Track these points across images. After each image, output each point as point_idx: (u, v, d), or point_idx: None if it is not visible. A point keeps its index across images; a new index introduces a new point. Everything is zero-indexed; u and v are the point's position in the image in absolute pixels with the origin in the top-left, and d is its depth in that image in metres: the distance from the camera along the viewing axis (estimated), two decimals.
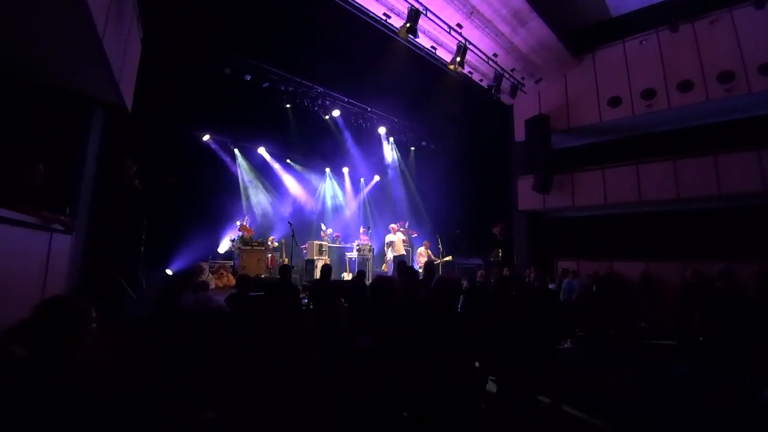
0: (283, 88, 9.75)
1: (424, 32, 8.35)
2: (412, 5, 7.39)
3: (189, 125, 10.00)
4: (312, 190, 13.88)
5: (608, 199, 10.33)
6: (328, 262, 8.79)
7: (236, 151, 11.98)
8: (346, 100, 11.18)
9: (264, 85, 9.39)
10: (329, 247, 10.67)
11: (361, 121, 11.95)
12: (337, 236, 11.75)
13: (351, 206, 14.78)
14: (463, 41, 8.56)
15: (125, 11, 5.09)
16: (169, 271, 9.01)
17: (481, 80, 10.55)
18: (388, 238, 10.78)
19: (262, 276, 8.90)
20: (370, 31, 8.10)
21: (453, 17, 8.23)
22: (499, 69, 9.83)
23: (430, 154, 14.21)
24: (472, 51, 8.95)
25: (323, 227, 11.62)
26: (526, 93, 11.43)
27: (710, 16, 8.97)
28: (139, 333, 4.18)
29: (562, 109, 11.22)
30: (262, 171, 12.61)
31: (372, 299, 2.84)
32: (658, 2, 9.67)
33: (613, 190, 10.23)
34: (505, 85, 10.33)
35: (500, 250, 11.24)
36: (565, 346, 6.85)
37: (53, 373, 1.33)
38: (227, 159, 11.74)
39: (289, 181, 13.22)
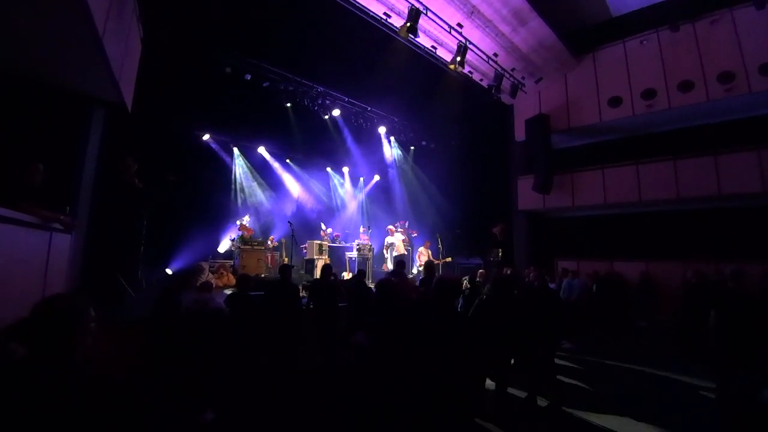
0: (283, 87, 9.75)
1: (424, 32, 8.35)
2: (413, 5, 7.38)
3: (189, 124, 9.99)
4: (312, 190, 13.86)
5: (608, 199, 10.33)
6: (328, 262, 8.79)
7: (236, 150, 11.98)
8: (346, 99, 11.18)
9: (264, 85, 9.39)
10: (329, 246, 10.67)
11: (362, 120, 11.95)
12: (337, 236, 11.75)
13: (351, 206, 14.77)
14: (464, 41, 8.55)
15: (125, 10, 5.09)
16: (169, 271, 9.01)
17: (481, 80, 10.55)
18: (388, 239, 10.78)
19: (262, 275, 8.91)
20: (370, 31, 8.10)
21: (453, 17, 8.23)
22: (499, 69, 9.82)
23: (430, 153, 14.22)
24: (472, 51, 8.94)
25: (323, 227, 11.61)
26: (526, 93, 11.43)
27: (711, 16, 8.96)
28: (139, 332, 4.17)
29: (563, 109, 11.21)
30: (262, 170, 12.60)
31: (377, 301, 2.85)
32: (658, 2, 9.65)
33: (613, 190, 10.23)
34: (506, 84, 10.33)
35: (500, 250, 11.23)
36: (565, 346, 6.85)
37: (52, 372, 1.33)
38: (227, 158, 11.74)
39: (289, 181, 13.21)
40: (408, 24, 7.32)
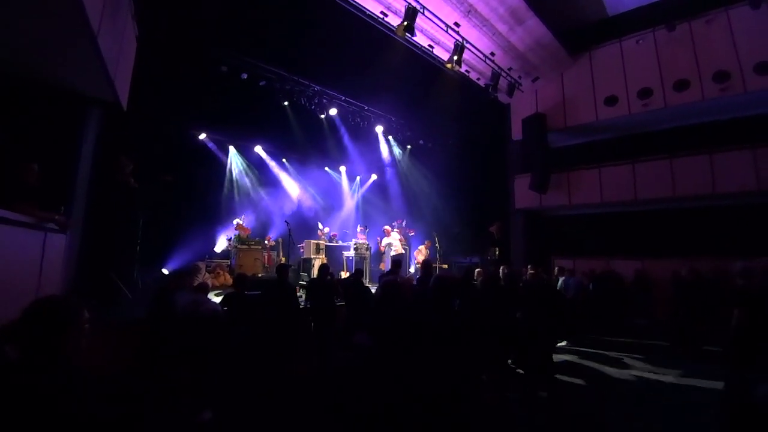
0: (279, 86, 9.71)
1: (421, 31, 8.33)
2: (410, 3, 7.37)
3: (185, 124, 9.92)
4: (309, 189, 13.81)
5: (604, 198, 10.38)
6: (326, 261, 8.77)
7: (233, 149, 11.92)
8: (343, 98, 11.15)
9: (261, 84, 9.35)
10: (326, 246, 10.65)
11: (359, 119, 11.92)
12: (334, 235, 11.73)
13: (348, 205, 14.75)
14: (461, 40, 8.55)
15: (120, 7, 5.05)
16: (165, 271, 8.97)
17: (478, 79, 10.55)
18: (385, 240, 10.77)
19: (259, 275, 8.88)
20: (367, 30, 8.08)
21: (450, 16, 8.23)
22: (496, 68, 9.83)
23: (427, 152, 14.21)
24: (469, 50, 8.95)
25: (320, 226, 11.59)
26: (523, 92, 11.45)
27: (706, 16, 9.00)
28: (134, 333, 4.15)
29: (559, 108, 11.24)
30: (259, 170, 12.55)
31: (380, 302, 2.83)
32: (654, 1, 9.70)
33: (610, 188, 10.28)
34: (503, 83, 10.34)
35: (497, 249, 11.27)
36: (562, 345, 6.87)
37: (46, 373, 1.31)
38: (224, 158, 11.68)
39: (286, 180, 13.17)
40: (405, 23, 7.31)
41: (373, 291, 6.22)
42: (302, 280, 8.42)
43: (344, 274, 9.81)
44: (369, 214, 14.67)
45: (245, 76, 8.95)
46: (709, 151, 8.96)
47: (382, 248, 10.84)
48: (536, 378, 4.35)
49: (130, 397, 3.02)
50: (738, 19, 8.59)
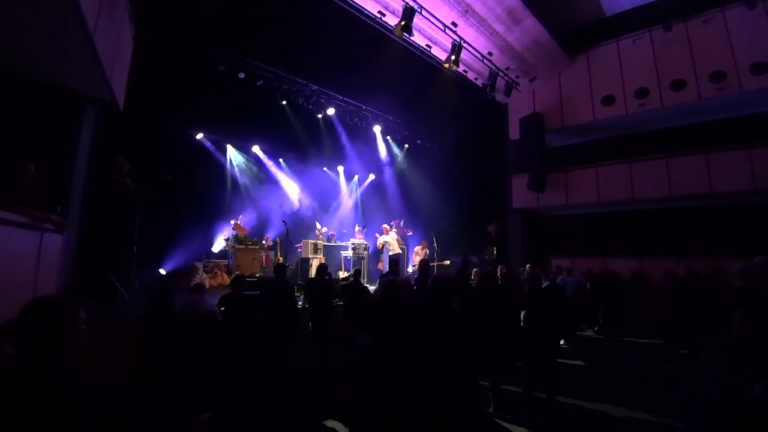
0: (277, 85, 9.70)
1: (418, 30, 8.35)
2: (407, 3, 7.37)
3: (182, 123, 9.89)
4: (307, 189, 13.80)
5: (601, 197, 10.42)
6: (323, 261, 8.76)
7: (230, 149, 11.90)
8: (341, 98, 11.14)
9: (258, 83, 9.33)
10: (324, 245, 10.64)
11: (356, 119, 11.92)
12: (332, 235, 11.72)
13: (346, 204, 14.75)
14: (458, 40, 8.56)
15: (117, 7, 5.03)
16: (162, 271, 8.94)
17: (476, 79, 10.57)
18: (383, 238, 10.76)
19: (257, 275, 8.86)
20: (365, 29, 8.08)
21: (448, 15, 8.23)
22: (493, 67, 9.84)
23: (425, 152, 14.22)
24: (466, 49, 8.96)
25: (318, 226, 11.57)
26: (520, 92, 11.47)
27: (703, 16, 9.04)
28: (131, 333, 4.14)
29: (557, 108, 11.27)
30: (257, 169, 12.55)
31: (381, 302, 2.84)
32: (651, 1, 9.72)
33: (607, 188, 10.32)
34: (500, 83, 10.35)
35: (495, 248, 11.29)
36: (561, 345, 6.88)
37: (43, 373, 1.31)
38: (221, 157, 11.65)
39: (284, 180, 13.15)
40: (402, 23, 7.31)
41: (371, 290, 6.22)
42: (300, 280, 8.42)
43: (342, 274, 9.80)
44: (367, 214, 14.67)
45: (243, 75, 8.93)
46: (706, 150, 9.00)
47: (379, 245, 10.84)
48: (538, 377, 4.37)
49: (128, 397, 3.01)
50: (734, 19, 8.63)
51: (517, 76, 10.99)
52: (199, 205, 10.46)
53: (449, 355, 2.22)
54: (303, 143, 12.19)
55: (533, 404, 4.23)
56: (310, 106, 10.64)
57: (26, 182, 3.66)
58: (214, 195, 11.06)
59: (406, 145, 14.39)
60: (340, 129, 12.39)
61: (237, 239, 9.69)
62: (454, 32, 8.51)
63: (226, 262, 9.72)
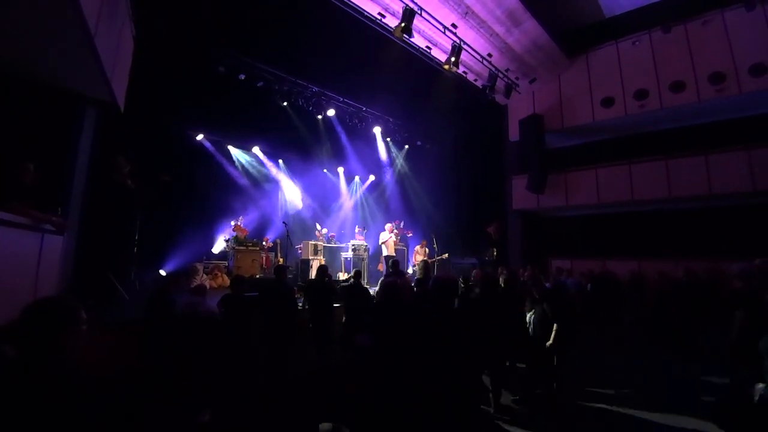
0: (277, 87, 9.70)
1: (418, 32, 8.36)
2: (407, 5, 7.38)
3: (183, 124, 9.90)
4: (307, 190, 13.80)
5: (601, 199, 10.42)
6: (324, 262, 8.75)
7: (230, 150, 11.90)
8: (341, 99, 11.15)
9: (258, 84, 9.34)
10: (324, 246, 10.64)
11: (356, 120, 11.93)
12: (333, 236, 11.72)
13: (346, 206, 14.75)
14: (458, 41, 8.58)
15: (118, 8, 5.04)
16: (162, 272, 8.94)
17: (475, 80, 10.59)
18: (383, 236, 10.75)
19: (257, 276, 8.85)
20: (365, 31, 8.09)
21: (448, 17, 8.25)
22: (493, 69, 9.86)
23: (425, 153, 14.23)
24: (466, 51, 8.98)
25: (318, 227, 11.57)
26: (520, 93, 11.49)
27: (702, 17, 9.06)
28: (131, 333, 4.14)
29: (556, 109, 11.29)
30: (257, 170, 12.55)
31: (382, 303, 2.84)
32: (650, 3, 9.75)
33: (606, 189, 10.32)
34: (500, 85, 10.37)
35: (495, 250, 11.29)
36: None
37: (44, 373, 1.31)
38: (221, 158, 11.65)
39: (284, 181, 13.16)
40: (402, 24, 7.33)
41: (372, 292, 6.22)
42: (300, 281, 8.42)
43: (342, 275, 9.80)
44: (367, 215, 14.68)
45: (243, 76, 8.94)
46: (705, 152, 9.01)
47: (380, 242, 10.82)
48: (539, 377, 4.37)
49: (128, 397, 3.01)
50: (733, 20, 8.64)
51: (517, 78, 11.01)
52: (199, 206, 10.47)
53: (450, 355, 2.22)
54: (303, 144, 12.20)
55: (533, 405, 4.23)
56: (310, 108, 10.64)
57: (26, 182, 3.66)
58: (215, 196, 11.05)
59: (406, 147, 14.39)
60: (340, 130, 12.40)
61: (237, 240, 9.69)
62: (454, 34, 8.53)
63: (226, 263, 9.72)
